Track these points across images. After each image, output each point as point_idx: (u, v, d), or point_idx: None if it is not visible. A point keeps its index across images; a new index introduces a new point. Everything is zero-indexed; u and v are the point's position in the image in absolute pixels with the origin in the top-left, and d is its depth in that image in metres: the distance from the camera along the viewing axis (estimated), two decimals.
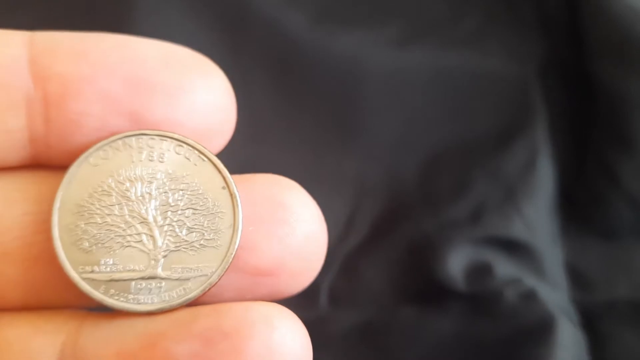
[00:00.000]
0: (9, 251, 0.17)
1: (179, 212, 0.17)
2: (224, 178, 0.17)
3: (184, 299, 0.17)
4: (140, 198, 0.17)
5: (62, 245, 0.17)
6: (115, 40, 0.17)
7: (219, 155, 0.18)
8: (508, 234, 0.26)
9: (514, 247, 0.26)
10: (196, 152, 0.17)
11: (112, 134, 0.17)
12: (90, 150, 0.17)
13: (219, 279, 0.17)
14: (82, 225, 0.17)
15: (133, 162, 0.17)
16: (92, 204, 0.17)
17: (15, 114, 0.16)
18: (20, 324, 0.17)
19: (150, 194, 0.17)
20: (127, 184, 0.17)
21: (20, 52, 0.16)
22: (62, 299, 0.17)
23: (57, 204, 0.17)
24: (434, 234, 0.26)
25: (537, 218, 0.26)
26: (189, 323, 0.16)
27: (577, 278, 0.26)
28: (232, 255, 0.17)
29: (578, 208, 0.27)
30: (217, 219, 0.17)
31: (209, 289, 0.17)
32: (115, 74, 0.16)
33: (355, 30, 0.28)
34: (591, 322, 0.26)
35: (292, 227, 0.17)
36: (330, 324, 0.25)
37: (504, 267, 0.26)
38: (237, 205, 0.17)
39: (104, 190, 0.17)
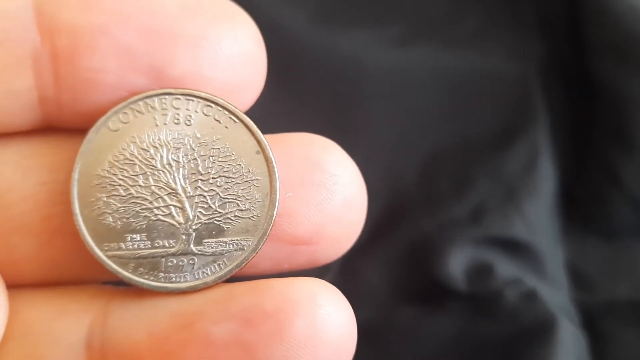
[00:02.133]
0: (24, 224, 0.15)
1: (211, 180, 0.15)
2: (258, 141, 0.16)
3: (218, 275, 0.15)
4: (167, 166, 0.15)
5: (84, 221, 0.15)
6: None
7: (251, 113, 0.16)
8: (509, 234, 0.26)
9: (514, 247, 0.26)
10: (226, 112, 0.16)
11: (132, 94, 0.15)
12: (109, 113, 0.15)
13: (256, 254, 0.16)
14: (104, 198, 0.15)
15: (157, 125, 0.15)
16: (114, 174, 0.15)
17: (21, 72, 0.15)
18: (41, 303, 0.15)
19: (177, 161, 0.15)
20: (152, 151, 0.15)
21: (24, 1, 0.14)
22: (85, 275, 0.16)
23: (75, 175, 0.15)
24: (435, 234, 0.26)
25: (537, 218, 0.26)
26: (226, 302, 0.15)
27: (578, 278, 0.26)
28: (270, 227, 0.16)
29: (579, 208, 0.27)
30: (252, 187, 0.16)
31: (246, 265, 0.16)
32: (131, 23, 0.14)
33: (355, 30, 0.28)
34: (592, 321, 0.26)
35: (331, 191, 0.16)
36: None
37: (505, 267, 0.26)
38: (274, 171, 0.16)
39: (127, 159, 0.15)
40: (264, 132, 0.16)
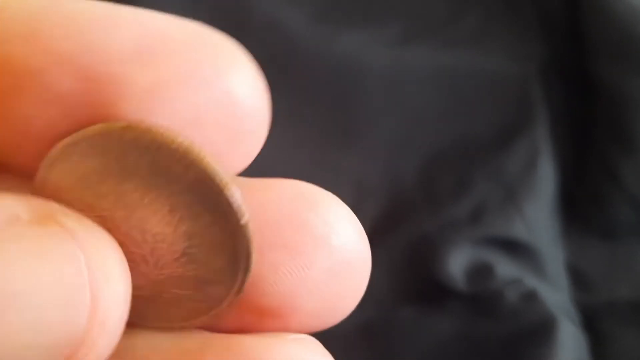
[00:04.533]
0: None
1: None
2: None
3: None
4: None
5: None
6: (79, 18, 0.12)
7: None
8: (508, 234, 0.26)
9: (514, 247, 0.26)
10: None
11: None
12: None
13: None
14: None
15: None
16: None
17: None
18: None
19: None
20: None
21: None
22: None
23: None
24: (434, 234, 0.26)
25: (537, 218, 0.26)
26: (196, 355, 0.12)
27: (578, 278, 0.26)
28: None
29: (579, 208, 0.27)
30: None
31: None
32: (68, 67, 0.11)
33: (355, 30, 0.28)
34: (592, 322, 0.26)
35: (312, 254, 0.13)
36: None
37: (505, 267, 0.26)
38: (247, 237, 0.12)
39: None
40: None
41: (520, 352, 0.24)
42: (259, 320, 0.13)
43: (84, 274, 0.10)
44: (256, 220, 0.12)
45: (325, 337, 0.26)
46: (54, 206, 0.11)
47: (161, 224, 0.12)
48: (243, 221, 0.12)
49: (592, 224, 0.27)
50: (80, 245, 0.10)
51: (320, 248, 0.13)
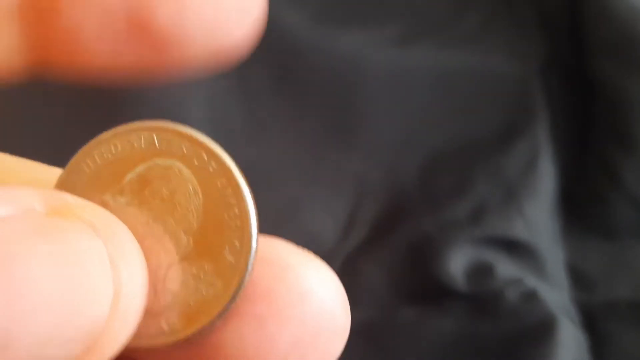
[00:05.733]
0: None
1: None
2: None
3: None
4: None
5: None
6: None
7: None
8: (509, 234, 0.26)
9: (514, 247, 0.26)
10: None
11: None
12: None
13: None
14: None
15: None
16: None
17: (8, 26, 0.12)
18: None
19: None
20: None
21: None
22: None
23: None
24: (435, 234, 0.26)
25: (538, 218, 0.26)
26: None
27: (578, 278, 0.26)
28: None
29: (579, 208, 0.27)
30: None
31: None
32: None
33: (355, 30, 0.28)
34: (592, 322, 0.26)
35: (281, 326, 0.12)
36: None
37: (505, 267, 0.26)
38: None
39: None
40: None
41: (520, 352, 0.24)
42: None
43: (107, 264, 0.10)
44: None
45: None
46: (67, 198, 0.11)
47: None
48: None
49: (592, 224, 0.27)
50: (101, 236, 0.10)
51: (287, 319, 0.12)
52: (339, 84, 0.28)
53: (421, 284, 0.26)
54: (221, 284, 0.12)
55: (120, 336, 0.10)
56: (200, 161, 0.13)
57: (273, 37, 0.28)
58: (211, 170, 0.13)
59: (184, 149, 0.13)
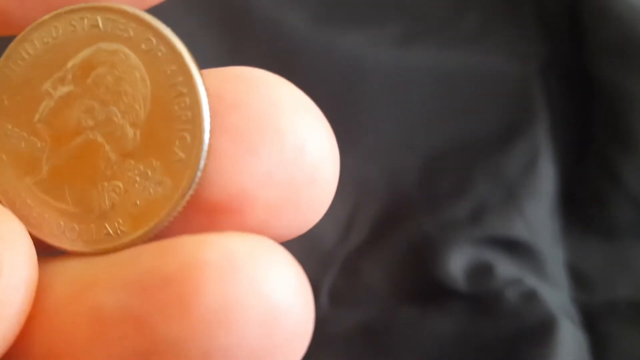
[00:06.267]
0: None
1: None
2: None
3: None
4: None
5: None
6: None
7: None
8: (509, 234, 0.26)
9: (514, 247, 0.26)
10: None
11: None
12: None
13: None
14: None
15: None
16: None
17: None
18: None
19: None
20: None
21: None
22: None
23: None
24: (435, 234, 0.26)
25: (538, 218, 0.26)
26: (123, 266, 0.11)
27: (578, 278, 0.26)
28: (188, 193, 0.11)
29: (579, 208, 0.27)
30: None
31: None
32: None
33: (356, 30, 0.28)
34: (592, 322, 0.26)
35: (258, 140, 0.11)
36: (331, 323, 0.25)
37: (505, 267, 0.26)
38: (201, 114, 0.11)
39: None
40: None
41: (520, 352, 0.24)
42: (210, 219, 0.12)
43: None
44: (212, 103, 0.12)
45: (325, 337, 0.26)
46: None
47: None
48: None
49: (592, 224, 0.27)
50: None
51: (265, 132, 0.11)
52: (339, 84, 0.28)
53: (421, 284, 0.26)
54: (171, 182, 0.11)
55: (6, 307, 0.10)
56: (148, 45, 0.12)
57: (273, 37, 0.28)
58: (160, 55, 0.12)
59: (131, 32, 0.12)
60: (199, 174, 0.11)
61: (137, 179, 0.12)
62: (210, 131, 0.11)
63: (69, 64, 0.12)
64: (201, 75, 0.12)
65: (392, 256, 0.26)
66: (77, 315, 0.11)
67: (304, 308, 0.10)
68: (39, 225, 0.12)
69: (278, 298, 0.10)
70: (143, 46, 0.12)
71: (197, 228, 0.11)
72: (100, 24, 0.12)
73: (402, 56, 0.28)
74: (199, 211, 0.12)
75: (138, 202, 0.12)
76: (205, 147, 0.11)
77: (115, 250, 0.12)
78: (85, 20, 0.12)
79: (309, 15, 0.28)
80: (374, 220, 0.27)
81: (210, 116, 0.11)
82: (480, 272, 0.25)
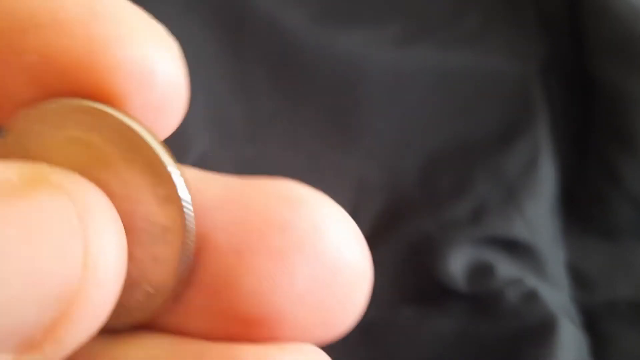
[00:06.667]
0: None
1: None
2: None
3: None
4: None
5: None
6: None
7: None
8: (509, 234, 0.26)
9: (515, 247, 0.26)
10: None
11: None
12: None
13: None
14: None
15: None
16: None
17: None
18: None
19: None
20: None
21: None
22: None
23: None
24: (435, 234, 0.26)
25: (538, 218, 0.26)
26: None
27: (579, 278, 0.26)
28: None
29: (579, 208, 0.27)
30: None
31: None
32: None
33: (356, 29, 0.28)
34: (592, 322, 0.26)
35: (297, 261, 0.11)
36: None
37: (505, 267, 0.26)
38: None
39: None
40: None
41: (520, 352, 0.24)
42: (246, 329, 0.12)
43: (74, 222, 0.10)
44: (239, 223, 0.12)
45: None
46: (44, 167, 0.10)
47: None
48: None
49: (592, 224, 0.27)
50: (70, 197, 0.10)
51: (304, 253, 0.11)
52: (339, 84, 0.28)
53: (421, 284, 0.26)
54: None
55: (97, 302, 0.10)
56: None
57: (273, 37, 0.28)
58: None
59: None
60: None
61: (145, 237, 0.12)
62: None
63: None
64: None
65: (392, 256, 0.26)
66: None
67: None
68: None
69: None
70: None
71: (237, 335, 0.12)
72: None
73: (402, 56, 0.28)
74: (235, 321, 0.12)
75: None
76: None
77: (159, 309, 0.12)
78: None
79: (309, 15, 0.28)
80: (374, 220, 0.27)
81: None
82: (481, 272, 0.25)
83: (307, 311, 0.12)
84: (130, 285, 0.12)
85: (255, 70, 0.28)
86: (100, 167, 0.11)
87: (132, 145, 0.11)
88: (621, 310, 0.25)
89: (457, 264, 0.25)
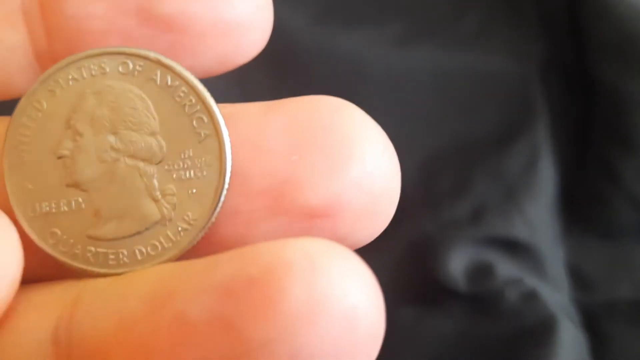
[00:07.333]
0: None
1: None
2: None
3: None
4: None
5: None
6: None
7: None
8: (509, 234, 0.26)
9: (515, 247, 0.26)
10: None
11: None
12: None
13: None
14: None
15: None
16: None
17: (14, 26, 0.13)
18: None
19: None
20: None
21: None
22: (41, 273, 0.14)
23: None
24: (435, 234, 0.26)
25: (538, 218, 0.26)
26: (203, 274, 0.12)
27: (578, 278, 0.26)
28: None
29: (579, 208, 0.27)
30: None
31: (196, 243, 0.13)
32: None
33: (356, 29, 0.28)
34: (592, 322, 0.26)
35: (346, 155, 0.13)
36: None
37: (505, 267, 0.26)
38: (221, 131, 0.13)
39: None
40: None
41: (520, 352, 0.24)
42: (308, 224, 0.13)
43: None
44: (291, 129, 0.13)
45: None
46: None
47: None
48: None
49: (592, 224, 0.27)
50: None
51: (353, 147, 0.13)
52: (339, 84, 0.28)
53: (421, 284, 0.26)
54: (210, 157, 0.13)
55: None
56: (163, 82, 0.13)
57: (273, 37, 0.28)
58: (179, 92, 0.13)
59: (142, 71, 0.13)
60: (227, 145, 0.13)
61: (182, 172, 0.13)
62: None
63: (71, 121, 0.13)
64: (218, 107, 0.13)
65: (392, 256, 0.26)
66: (158, 326, 0.11)
67: (378, 309, 0.12)
68: (117, 264, 0.13)
69: (356, 298, 0.11)
70: (157, 83, 0.13)
71: (294, 234, 0.13)
72: (108, 69, 0.13)
73: (402, 56, 0.28)
74: (298, 216, 0.13)
75: (194, 190, 0.13)
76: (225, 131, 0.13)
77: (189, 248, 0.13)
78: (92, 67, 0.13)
79: (309, 15, 0.28)
80: None
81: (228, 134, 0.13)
82: (481, 272, 0.25)
83: (361, 202, 0.13)
84: (160, 224, 0.13)
85: (255, 70, 0.28)
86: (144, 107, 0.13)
87: (173, 85, 0.13)
88: (621, 310, 0.25)
89: (457, 264, 0.25)
